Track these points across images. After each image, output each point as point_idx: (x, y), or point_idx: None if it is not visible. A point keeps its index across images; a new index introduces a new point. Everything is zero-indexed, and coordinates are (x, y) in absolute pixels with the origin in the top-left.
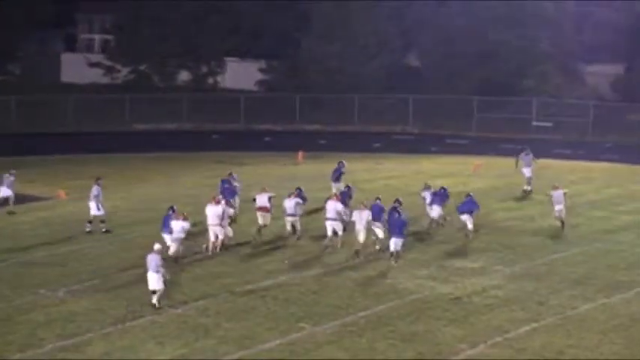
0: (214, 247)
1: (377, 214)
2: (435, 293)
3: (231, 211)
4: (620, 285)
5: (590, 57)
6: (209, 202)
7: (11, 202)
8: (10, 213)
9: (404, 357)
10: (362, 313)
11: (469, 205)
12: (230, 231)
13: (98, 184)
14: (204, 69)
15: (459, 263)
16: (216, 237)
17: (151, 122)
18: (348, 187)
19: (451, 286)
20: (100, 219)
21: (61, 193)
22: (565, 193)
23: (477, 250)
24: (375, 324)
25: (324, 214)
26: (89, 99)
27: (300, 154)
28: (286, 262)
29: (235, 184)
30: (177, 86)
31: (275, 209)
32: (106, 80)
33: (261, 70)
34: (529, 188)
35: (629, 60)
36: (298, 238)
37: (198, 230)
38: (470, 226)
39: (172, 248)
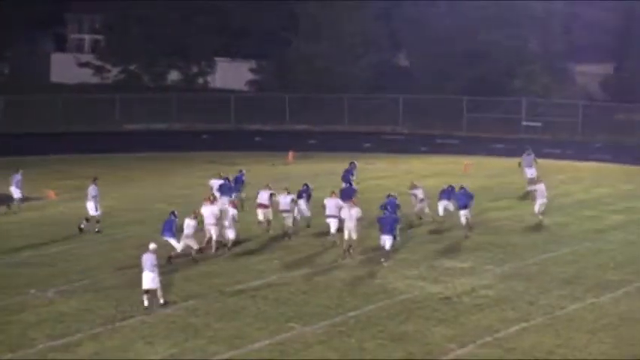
0: (209, 246)
1: (392, 209)
2: (425, 293)
3: (234, 211)
4: (609, 285)
5: (580, 57)
6: (204, 201)
7: (17, 201)
8: (8, 212)
9: (393, 357)
10: (351, 313)
11: (465, 199)
12: (232, 232)
13: (95, 184)
14: (195, 69)
15: (448, 263)
16: (211, 235)
17: (141, 122)
18: (351, 184)
19: (441, 285)
20: (96, 219)
21: (51, 193)
22: (546, 187)
23: (466, 250)
24: (364, 324)
25: (325, 211)
26: (79, 99)
27: (291, 154)
28: (276, 261)
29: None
30: (167, 86)
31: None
32: (95, 80)
33: (251, 70)
34: (534, 188)
35: (618, 60)
36: (289, 237)
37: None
38: (465, 221)
39: (179, 247)
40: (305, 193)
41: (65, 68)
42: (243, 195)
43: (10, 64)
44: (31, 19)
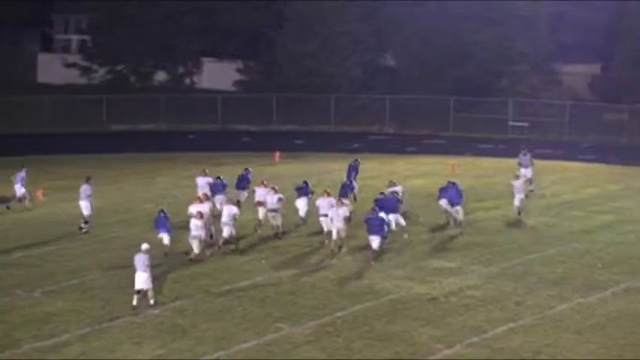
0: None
1: (393, 205)
2: (412, 293)
3: (236, 210)
4: (596, 285)
5: (567, 57)
6: (193, 201)
7: (27, 199)
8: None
9: (381, 357)
10: (339, 314)
11: (458, 196)
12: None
13: (89, 183)
14: (181, 69)
15: (436, 263)
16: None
17: (127, 123)
18: (350, 182)
19: (428, 286)
20: (85, 219)
21: (39, 193)
22: (524, 182)
23: (454, 250)
24: (352, 324)
25: (318, 211)
26: (66, 99)
27: (278, 154)
28: (263, 262)
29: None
30: (154, 87)
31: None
32: (82, 81)
33: (238, 71)
34: (531, 188)
35: (605, 59)
36: (278, 236)
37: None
38: (459, 216)
39: (195, 247)
40: (304, 191)
41: (52, 69)
42: (246, 193)
43: None
44: (17, 20)
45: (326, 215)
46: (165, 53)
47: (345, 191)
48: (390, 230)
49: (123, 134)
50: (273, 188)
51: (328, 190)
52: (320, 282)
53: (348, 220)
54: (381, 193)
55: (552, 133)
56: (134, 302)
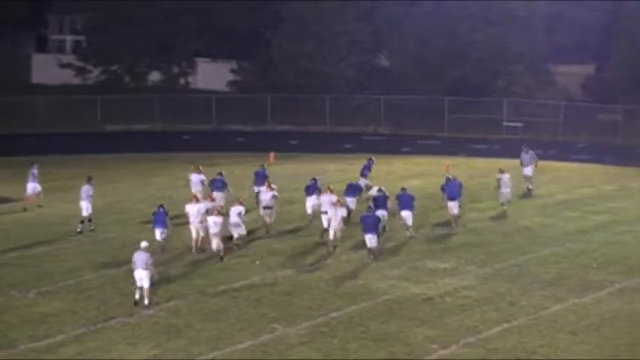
0: (197, 245)
1: (407, 202)
2: (407, 294)
3: (242, 208)
4: (591, 285)
5: (561, 57)
6: (189, 200)
7: (40, 195)
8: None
9: (376, 357)
10: (334, 314)
11: (457, 191)
12: (242, 229)
13: (90, 184)
14: (176, 69)
15: (431, 264)
16: (198, 234)
17: (122, 123)
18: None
19: (423, 286)
20: (81, 219)
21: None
22: (510, 177)
23: (449, 251)
24: (347, 324)
25: (320, 208)
26: (60, 100)
27: (272, 154)
28: (258, 262)
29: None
30: (148, 87)
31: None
32: (77, 81)
33: (232, 71)
34: (529, 186)
35: (599, 60)
36: (268, 232)
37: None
38: (457, 212)
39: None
40: (312, 188)
41: (46, 69)
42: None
43: None
44: (11, 20)
45: (326, 212)
46: (162, 53)
47: (354, 191)
48: (385, 228)
49: (117, 134)
50: (268, 185)
51: (331, 187)
52: (315, 282)
53: (346, 220)
54: (380, 190)
55: (547, 133)
56: (136, 296)
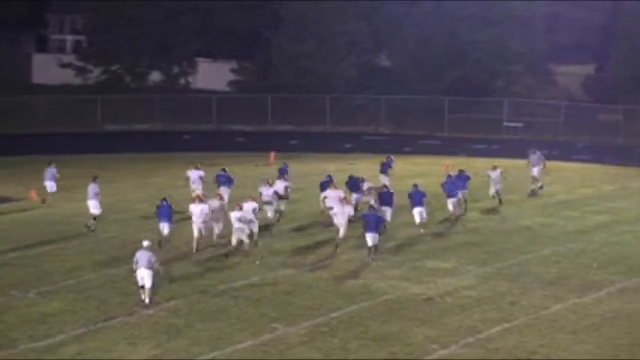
0: (198, 245)
1: (418, 199)
2: (408, 293)
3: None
4: (592, 285)
5: (561, 57)
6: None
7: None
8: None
9: (376, 357)
10: (334, 314)
11: (455, 187)
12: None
13: (96, 182)
14: (176, 69)
15: (431, 263)
16: (200, 234)
17: (122, 123)
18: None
19: (424, 286)
20: (93, 216)
21: (33, 194)
22: (502, 173)
23: (449, 251)
24: (347, 324)
25: (326, 203)
26: (61, 100)
27: (272, 154)
28: (258, 262)
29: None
30: (148, 87)
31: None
32: (77, 81)
33: (232, 71)
34: (534, 187)
35: (599, 60)
36: (267, 229)
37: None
38: (452, 209)
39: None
40: (326, 185)
41: (47, 69)
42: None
43: None
44: (11, 20)
45: (332, 208)
46: (162, 53)
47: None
48: (386, 226)
49: (117, 134)
50: (268, 182)
51: (335, 183)
52: (315, 282)
53: (349, 218)
54: (385, 187)
55: (547, 133)
56: (142, 296)
